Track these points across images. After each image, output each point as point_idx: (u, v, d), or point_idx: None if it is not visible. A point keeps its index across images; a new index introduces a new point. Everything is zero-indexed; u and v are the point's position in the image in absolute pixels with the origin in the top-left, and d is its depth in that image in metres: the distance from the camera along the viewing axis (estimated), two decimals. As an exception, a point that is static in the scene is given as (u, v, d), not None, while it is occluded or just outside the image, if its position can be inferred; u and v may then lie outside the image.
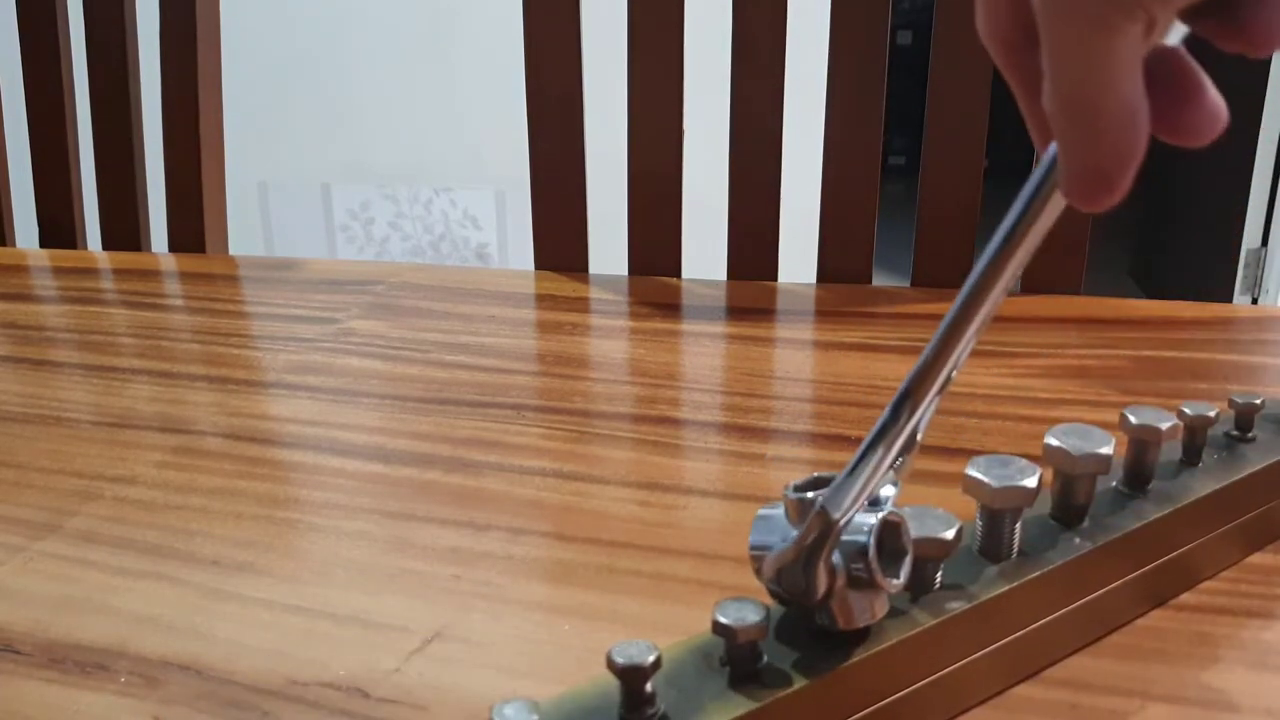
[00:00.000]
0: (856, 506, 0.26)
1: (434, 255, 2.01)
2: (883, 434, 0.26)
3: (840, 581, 0.27)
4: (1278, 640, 0.33)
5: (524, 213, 1.68)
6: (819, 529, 0.26)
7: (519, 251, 1.99)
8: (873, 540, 0.26)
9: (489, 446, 0.48)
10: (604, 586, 0.37)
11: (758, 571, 0.28)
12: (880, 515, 0.27)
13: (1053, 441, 0.31)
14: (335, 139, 1.96)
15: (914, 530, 0.28)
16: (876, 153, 0.71)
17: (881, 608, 0.27)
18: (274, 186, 2.00)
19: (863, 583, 0.27)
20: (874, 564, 0.26)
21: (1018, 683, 0.31)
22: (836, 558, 0.27)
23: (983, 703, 0.30)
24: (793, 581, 0.27)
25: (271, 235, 2.03)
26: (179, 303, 0.71)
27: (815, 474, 0.28)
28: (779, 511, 0.28)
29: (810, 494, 0.27)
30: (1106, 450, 0.31)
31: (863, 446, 0.26)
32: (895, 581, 0.27)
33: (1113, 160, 0.22)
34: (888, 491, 0.28)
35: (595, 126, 0.76)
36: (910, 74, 1.24)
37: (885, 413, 0.26)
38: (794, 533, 0.27)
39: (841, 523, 0.26)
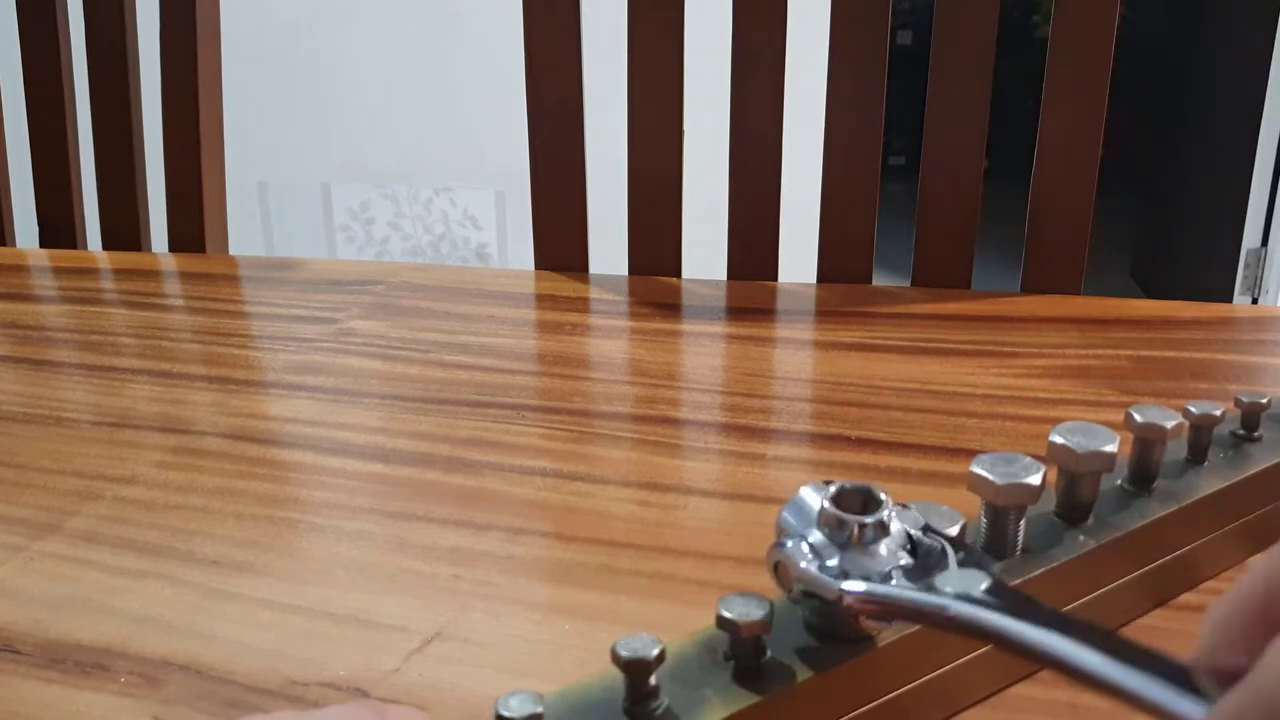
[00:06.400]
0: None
1: (434, 255, 2.01)
2: (948, 620, 0.24)
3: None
4: (1279, 640, 0.33)
5: (524, 213, 1.67)
6: (830, 599, 0.26)
7: (519, 251, 1.99)
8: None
9: (489, 446, 0.48)
10: (604, 586, 0.37)
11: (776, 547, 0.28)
12: (897, 565, 0.27)
13: (1058, 439, 0.31)
14: (335, 139, 1.96)
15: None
16: (876, 153, 0.70)
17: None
18: (274, 186, 2.00)
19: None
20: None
21: (1020, 680, 0.31)
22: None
23: (983, 702, 0.30)
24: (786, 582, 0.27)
25: (271, 235, 2.03)
26: (179, 303, 0.71)
27: (867, 486, 0.28)
28: (815, 499, 0.28)
29: (853, 518, 0.27)
30: (1111, 448, 0.31)
31: (924, 601, 0.25)
32: None
33: None
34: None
35: (595, 127, 0.76)
36: (910, 74, 1.24)
37: (951, 606, 0.24)
38: (813, 531, 0.27)
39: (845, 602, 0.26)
